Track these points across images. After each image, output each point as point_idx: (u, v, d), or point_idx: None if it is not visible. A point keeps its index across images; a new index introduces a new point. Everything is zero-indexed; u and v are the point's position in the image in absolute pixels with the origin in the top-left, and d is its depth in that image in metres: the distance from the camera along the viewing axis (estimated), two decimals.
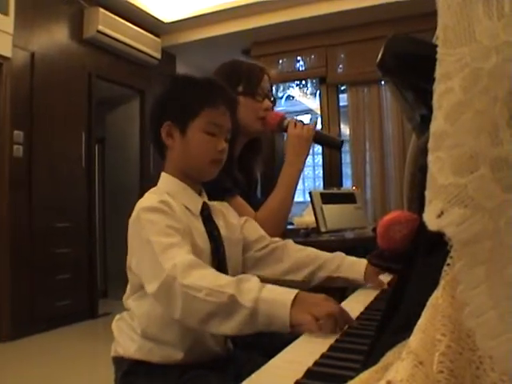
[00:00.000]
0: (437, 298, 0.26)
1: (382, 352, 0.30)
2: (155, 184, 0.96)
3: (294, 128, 1.26)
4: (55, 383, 2.34)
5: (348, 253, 1.02)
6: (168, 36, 4.30)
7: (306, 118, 6.08)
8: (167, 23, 4.12)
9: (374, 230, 0.57)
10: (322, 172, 4.42)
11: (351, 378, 0.30)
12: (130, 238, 0.86)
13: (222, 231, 0.95)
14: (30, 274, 3.10)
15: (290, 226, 1.88)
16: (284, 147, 1.32)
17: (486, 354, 0.24)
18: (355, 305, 0.73)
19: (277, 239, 1.05)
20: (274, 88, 1.40)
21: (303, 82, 5.49)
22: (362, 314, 0.72)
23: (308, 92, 6.00)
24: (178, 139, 0.93)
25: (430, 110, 0.27)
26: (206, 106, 0.92)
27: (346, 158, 4.27)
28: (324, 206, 1.76)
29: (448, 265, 0.25)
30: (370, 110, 4.00)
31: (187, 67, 4.64)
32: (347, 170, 4.23)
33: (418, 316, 0.26)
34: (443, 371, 0.23)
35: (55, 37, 3.46)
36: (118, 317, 0.94)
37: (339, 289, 1.07)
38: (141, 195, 0.91)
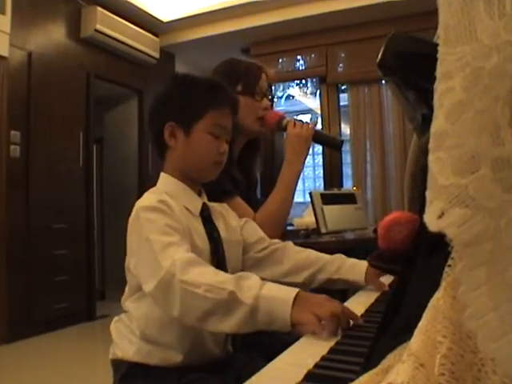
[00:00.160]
0: (438, 300, 0.25)
1: (383, 354, 0.30)
2: (154, 184, 0.96)
3: (294, 127, 1.26)
4: None
5: (348, 254, 1.02)
6: (166, 35, 4.29)
7: (306, 118, 6.08)
8: (166, 22, 4.11)
9: (375, 230, 0.57)
10: (322, 172, 4.42)
11: (352, 380, 0.30)
12: (129, 237, 0.86)
13: (222, 233, 0.95)
14: (26, 275, 3.08)
15: (289, 227, 1.88)
16: (284, 147, 1.32)
17: (487, 356, 0.23)
18: (356, 307, 0.73)
19: (276, 241, 1.04)
20: (272, 87, 1.39)
21: (303, 81, 5.49)
22: (362, 316, 0.72)
23: (308, 91, 6.00)
24: (181, 140, 0.93)
25: (431, 109, 0.27)
26: (211, 107, 0.93)
27: (347, 158, 4.26)
28: (324, 207, 1.75)
29: (449, 266, 0.25)
30: (371, 110, 3.99)
31: (186, 66, 4.63)
32: (348, 170, 4.22)
33: (419, 318, 0.26)
34: (444, 374, 0.23)
35: (52, 36, 3.44)
36: (116, 319, 0.94)
37: (340, 291, 1.07)
38: (139, 195, 0.90)
